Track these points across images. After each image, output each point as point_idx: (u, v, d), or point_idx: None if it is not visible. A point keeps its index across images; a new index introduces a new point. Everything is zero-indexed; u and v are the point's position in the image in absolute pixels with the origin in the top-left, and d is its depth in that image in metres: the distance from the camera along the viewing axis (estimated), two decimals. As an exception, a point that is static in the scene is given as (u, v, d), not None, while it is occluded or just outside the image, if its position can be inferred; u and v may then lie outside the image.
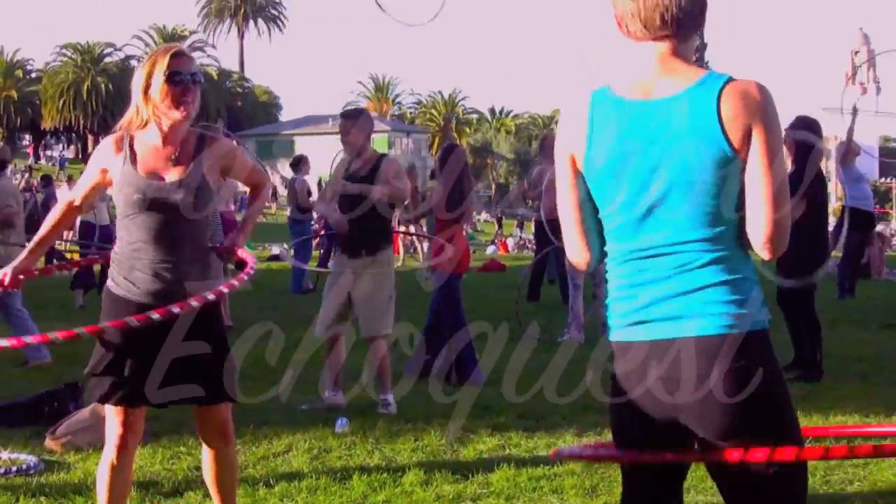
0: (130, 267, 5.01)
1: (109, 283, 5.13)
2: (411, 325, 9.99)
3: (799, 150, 9.77)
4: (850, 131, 16.48)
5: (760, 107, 3.31)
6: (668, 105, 3.36)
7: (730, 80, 3.34)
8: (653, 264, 3.44)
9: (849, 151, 16.83)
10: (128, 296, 5.03)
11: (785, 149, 9.74)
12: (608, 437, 6.63)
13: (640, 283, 3.48)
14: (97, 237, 18.34)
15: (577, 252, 3.65)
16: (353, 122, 9.00)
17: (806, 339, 10.13)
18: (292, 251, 19.06)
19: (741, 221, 3.40)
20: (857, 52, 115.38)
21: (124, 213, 5.03)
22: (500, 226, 58.26)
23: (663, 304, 3.42)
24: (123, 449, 5.16)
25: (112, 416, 5.15)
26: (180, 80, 4.93)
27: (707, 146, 3.30)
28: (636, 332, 3.49)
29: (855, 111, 15.88)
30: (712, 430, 3.41)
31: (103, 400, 5.09)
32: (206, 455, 5.32)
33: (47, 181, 26.99)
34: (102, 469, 5.21)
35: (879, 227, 26.84)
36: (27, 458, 7.14)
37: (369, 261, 8.93)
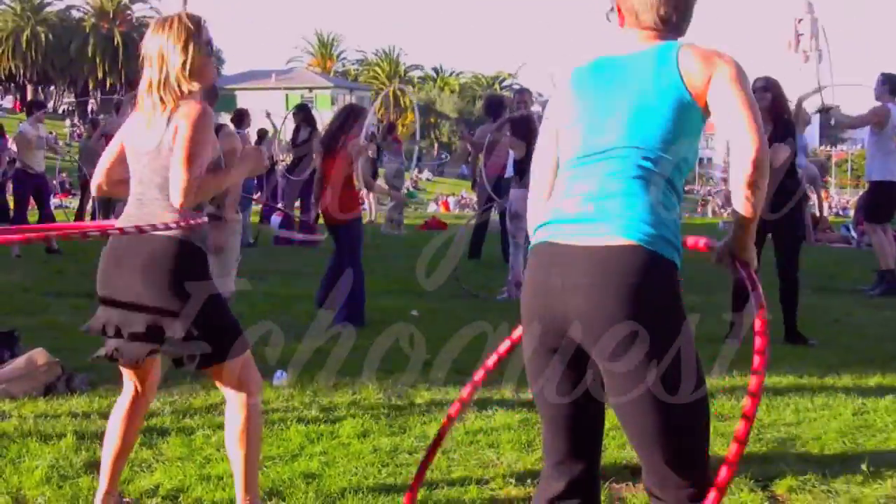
0: None
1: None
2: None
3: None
4: (800, 100, 16.69)
5: (719, 58, 3.58)
6: (638, 56, 3.69)
7: (691, 43, 3.67)
8: (585, 171, 3.64)
9: (799, 121, 16.96)
10: None
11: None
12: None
13: (569, 190, 3.66)
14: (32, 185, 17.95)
15: (539, 198, 3.88)
16: None
17: (787, 304, 10.29)
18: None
19: (685, 169, 3.64)
20: (800, 20, 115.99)
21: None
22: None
23: (581, 205, 3.57)
24: (137, 401, 5.24)
25: (124, 371, 5.22)
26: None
27: (666, 87, 3.56)
28: (547, 235, 3.65)
29: (820, 88, 15.68)
30: (600, 347, 3.48)
31: (109, 359, 5.10)
32: (226, 411, 5.21)
33: None
34: (114, 418, 5.25)
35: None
36: (-39, 406, 7.08)
37: None
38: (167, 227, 4.84)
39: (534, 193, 3.92)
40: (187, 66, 4.95)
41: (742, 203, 3.51)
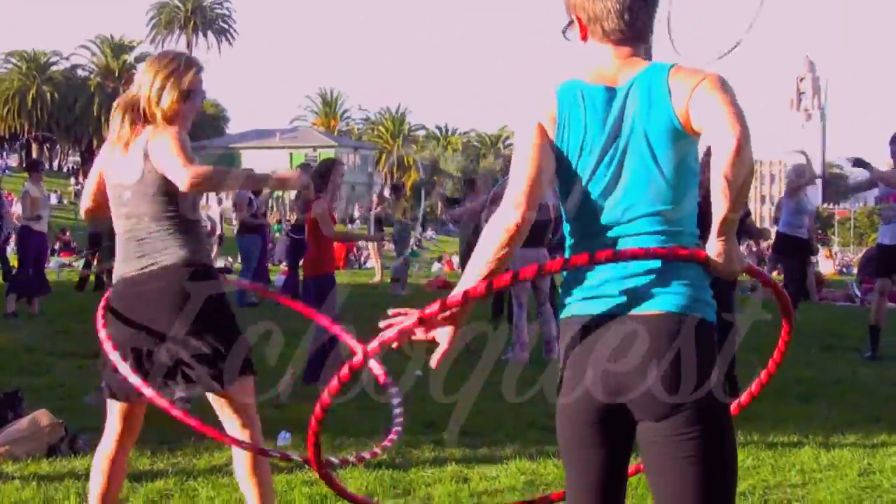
0: None
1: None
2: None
3: None
4: (809, 165, 16.85)
5: (701, 72, 3.48)
6: (628, 88, 3.53)
7: (676, 64, 3.54)
8: (612, 244, 3.51)
9: (803, 185, 17.06)
10: None
11: None
12: (551, 453, 6.67)
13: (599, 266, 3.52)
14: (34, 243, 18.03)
15: (513, 205, 3.53)
16: None
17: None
18: (237, 264, 19.10)
19: (695, 214, 3.57)
20: (802, 79, 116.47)
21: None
22: None
23: (619, 281, 3.48)
24: (121, 444, 5.27)
25: (112, 410, 5.25)
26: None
27: (659, 120, 3.46)
28: (585, 307, 3.54)
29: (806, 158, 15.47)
30: (651, 412, 3.45)
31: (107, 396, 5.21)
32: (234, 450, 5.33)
33: None
34: (98, 462, 5.27)
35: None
36: (-36, 467, 7.05)
37: None
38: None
39: (508, 199, 3.56)
40: (159, 97, 5.08)
41: (720, 198, 3.30)
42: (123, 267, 5.14)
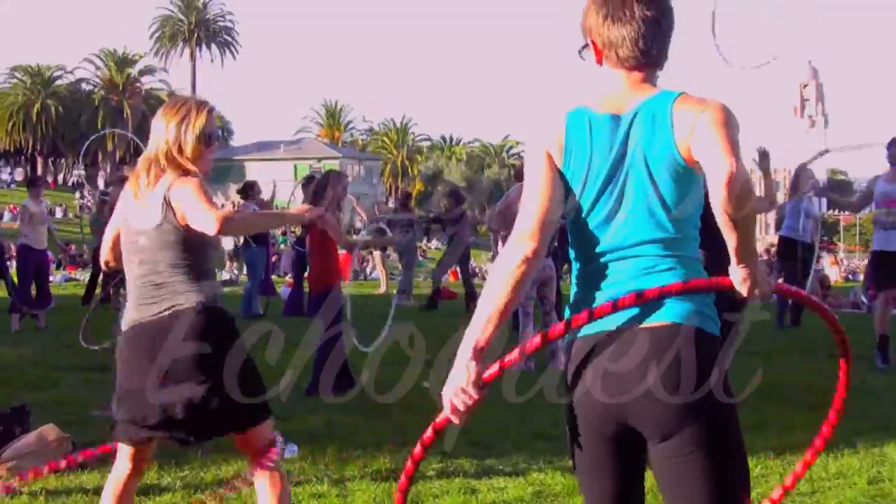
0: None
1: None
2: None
3: None
4: (804, 165, 16.77)
5: (705, 104, 3.46)
6: (633, 116, 3.53)
7: (683, 93, 3.53)
8: (615, 266, 3.55)
9: (801, 183, 17.05)
10: None
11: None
12: (559, 463, 6.66)
13: (601, 285, 3.56)
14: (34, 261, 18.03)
15: (526, 237, 3.56)
16: None
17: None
18: (242, 276, 19.13)
19: (697, 239, 3.58)
20: (805, 85, 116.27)
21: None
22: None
23: (622, 302, 3.46)
24: (127, 483, 5.29)
25: (122, 450, 5.28)
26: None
27: (660, 150, 3.47)
28: (596, 325, 3.54)
29: (822, 152, 15.41)
30: (654, 417, 3.44)
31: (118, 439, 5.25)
32: (257, 482, 5.32)
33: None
34: (107, 496, 5.28)
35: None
36: (-29, 483, 7.04)
37: None
38: None
39: (520, 231, 3.59)
40: (179, 144, 5.10)
41: (728, 231, 3.33)
42: (137, 312, 5.14)
